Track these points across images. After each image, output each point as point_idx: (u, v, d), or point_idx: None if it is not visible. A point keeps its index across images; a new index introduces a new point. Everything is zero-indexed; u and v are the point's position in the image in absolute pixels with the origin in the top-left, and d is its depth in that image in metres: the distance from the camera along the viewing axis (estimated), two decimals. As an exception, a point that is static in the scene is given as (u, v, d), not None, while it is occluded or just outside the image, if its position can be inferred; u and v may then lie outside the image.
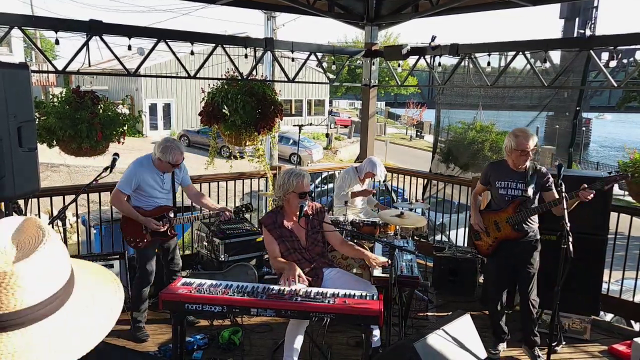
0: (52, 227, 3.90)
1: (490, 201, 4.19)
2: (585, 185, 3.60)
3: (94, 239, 6.56)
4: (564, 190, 3.50)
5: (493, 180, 4.02)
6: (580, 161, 23.54)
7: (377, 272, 3.76)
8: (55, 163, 17.51)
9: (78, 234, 5.55)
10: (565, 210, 3.37)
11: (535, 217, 3.98)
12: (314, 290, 3.35)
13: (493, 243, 4.05)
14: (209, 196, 6.02)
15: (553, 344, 4.10)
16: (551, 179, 3.92)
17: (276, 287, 3.34)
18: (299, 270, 3.40)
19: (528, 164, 3.88)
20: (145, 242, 4.20)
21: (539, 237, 4.01)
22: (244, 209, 4.50)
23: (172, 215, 4.29)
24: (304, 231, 3.74)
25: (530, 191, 3.84)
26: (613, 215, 4.68)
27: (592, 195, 3.59)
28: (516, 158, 3.84)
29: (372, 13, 6.75)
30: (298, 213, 3.56)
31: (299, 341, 3.56)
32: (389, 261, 3.50)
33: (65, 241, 3.55)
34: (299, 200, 3.62)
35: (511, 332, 4.41)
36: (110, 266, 4.73)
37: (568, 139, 6.29)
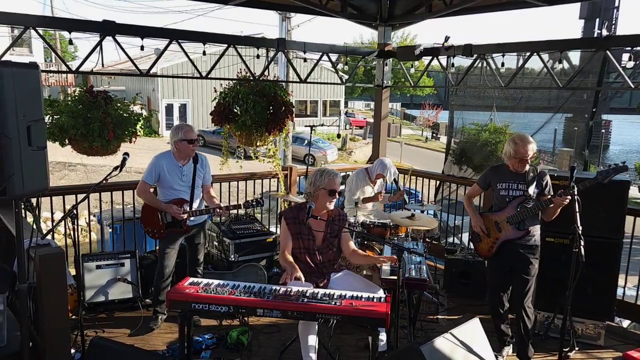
0: (65, 225, 3.95)
1: (492, 204, 4.14)
2: (562, 191, 3.61)
3: (109, 237, 6.65)
4: (576, 192, 3.44)
5: (494, 183, 4.01)
6: (600, 163, 23.09)
7: (385, 274, 3.74)
8: (72, 162, 17.76)
9: (90, 233, 5.62)
10: (578, 214, 3.31)
11: (538, 222, 3.92)
12: (321, 291, 3.33)
13: (494, 244, 4.00)
14: (221, 196, 6.06)
15: (565, 350, 4.03)
16: (549, 182, 3.90)
17: (283, 288, 3.33)
18: (299, 273, 3.41)
19: (527, 166, 3.87)
20: (161, 233, 4.35)
21: (539, 243, 3.93)
22: (254, 202, 4.51)
23: (187, 207, 4.32)
24: (322, 234, 3.75)
25: (531, 191, 3.82)
26: (629, 219, 4.58)
27: (567, 201, 3.56)
28: (515, 164, 3.83)
29: (386, 13, 6.72)
30: (306, 214, 3.55)
31: (313, 339, 3.54)
32: (395, 257, 3.48)
33: (77, 239, 3.58)
34: (328, 197, 3.69)
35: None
36: (122, 264, 4.77)
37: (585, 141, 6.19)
